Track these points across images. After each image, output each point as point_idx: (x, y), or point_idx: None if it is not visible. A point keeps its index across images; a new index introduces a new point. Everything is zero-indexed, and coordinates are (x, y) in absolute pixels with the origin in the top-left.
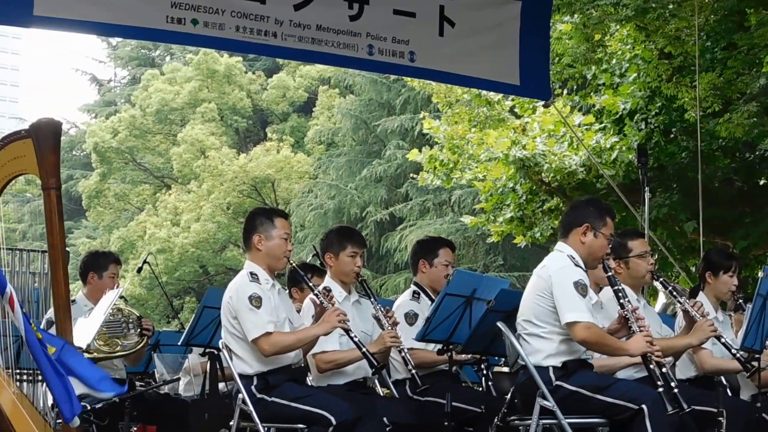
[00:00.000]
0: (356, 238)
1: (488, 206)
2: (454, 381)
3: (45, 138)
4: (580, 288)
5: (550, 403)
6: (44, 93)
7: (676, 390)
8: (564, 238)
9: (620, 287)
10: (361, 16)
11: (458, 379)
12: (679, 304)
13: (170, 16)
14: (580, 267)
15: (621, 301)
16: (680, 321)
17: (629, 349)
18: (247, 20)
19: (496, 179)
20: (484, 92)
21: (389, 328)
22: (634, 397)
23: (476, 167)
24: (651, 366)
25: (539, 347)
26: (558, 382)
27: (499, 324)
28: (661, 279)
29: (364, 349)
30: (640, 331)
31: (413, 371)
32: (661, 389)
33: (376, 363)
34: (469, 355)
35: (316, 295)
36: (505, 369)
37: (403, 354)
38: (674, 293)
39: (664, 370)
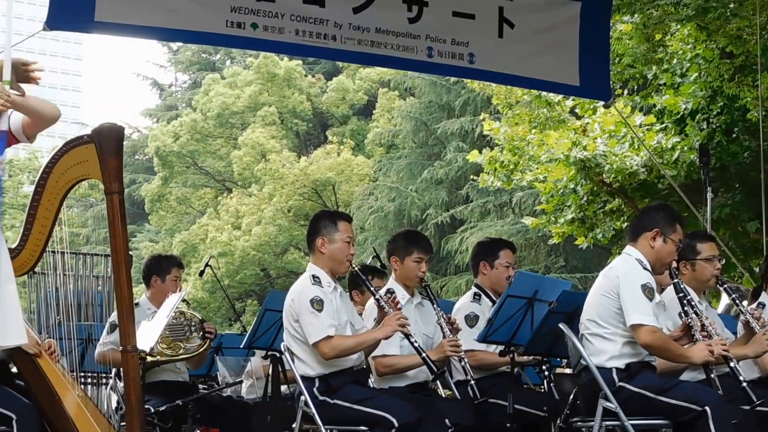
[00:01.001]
0: (423, 244)
1: (549, 207)
2: (516, 383)
3: (107, 143)
4: (647, 291)
5: (613, 405)
6: (106, 98)
7: (745, 384)
8: (633, 242)
9: (685, 294)
10: (420, 19)
11: (520, 381)
12: (741, 315)
13: (230, 20)
14: (648, 271)
15: (685, 308)
16: (742, 325)
17: (691, 357)
18: (306, 24)
19: (557, 180)
20: (544, 93)
21: (450, 335)
22: (697, 399)
23: (537, 168)
24: (712, 375)
25: (602, 348)
26: (621, 384)
27: (561, 325)
28: (725, 285)
29: (423, 355)
30: (704, 339)
31: (472, 381)
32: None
33: (435, 369)
34: (531, 357)
35: (378, 300)
36: (567, 370)
37: (463, 363)
38: (737, 301)
39: (732, 364)
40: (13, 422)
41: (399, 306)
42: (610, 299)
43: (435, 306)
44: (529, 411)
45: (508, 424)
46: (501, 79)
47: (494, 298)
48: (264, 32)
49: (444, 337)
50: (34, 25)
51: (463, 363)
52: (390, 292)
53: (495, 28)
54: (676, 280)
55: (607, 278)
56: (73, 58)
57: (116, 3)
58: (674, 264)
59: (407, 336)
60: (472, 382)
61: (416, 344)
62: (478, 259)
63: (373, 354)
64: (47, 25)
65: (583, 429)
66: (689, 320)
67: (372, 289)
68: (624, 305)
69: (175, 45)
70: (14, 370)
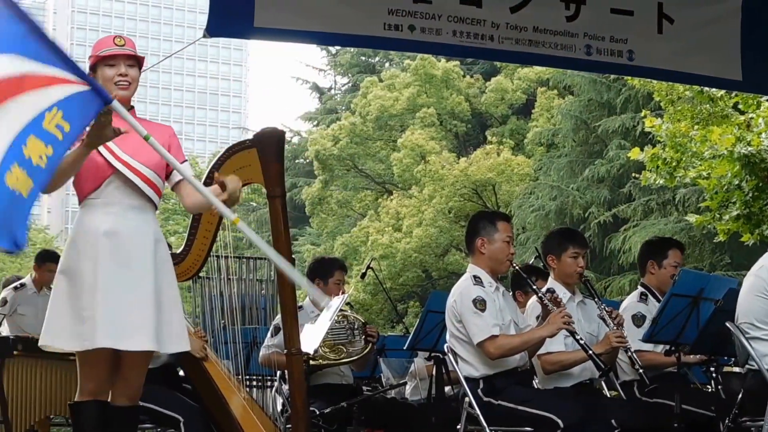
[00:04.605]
0: (577, 239)
1: (713, 204)
2: (683, 382)
3: (269, 147)
4: None
5: None
6: (267, 103)
7: None
8: None
9: None
10: (578, 17)
11: (687, 380)
12: None
13: (387, 23)
14: None
15: None
16: None
17: None
18: (463, 24)
19: (721, 177)
20: (706, 89)
21: (614, 328)
22: None
23: (700, 165)
24: None
25: (764, 351)
26: None
27: (728, 324)
28: None
29: (590, 351)
30: None
31: (641, 371)
32: None
33: (602, 365)
34: (698, 356)
35: (540, 297)
36: (736, 369)
37: (629, 354)
38: None
39: None
40: (181, 425)
41: (562, 303)
42: (765, 299)
43: (596, 300)
44: (697, 411)
45: (675, 424)
46: (661, 76)
47: (661, 298)
48: (421, 34)
49: (609, 328)
50: (195, 33)
51: (629, 354)
52: (550, 291)
53: (654, 24)
54: None
55: (759, 278)
56: (234, 63)
57: (275, 9)
58: None
59: (572, 333)
60: (641, 371)
61: (582, 341)
62: (646, 259)
63: (539, 352)
64: (207, 32)
65: (752, 429)
66: None
67: (534, 286)
68: None
69: (333, 48)
70: (181, 373)
